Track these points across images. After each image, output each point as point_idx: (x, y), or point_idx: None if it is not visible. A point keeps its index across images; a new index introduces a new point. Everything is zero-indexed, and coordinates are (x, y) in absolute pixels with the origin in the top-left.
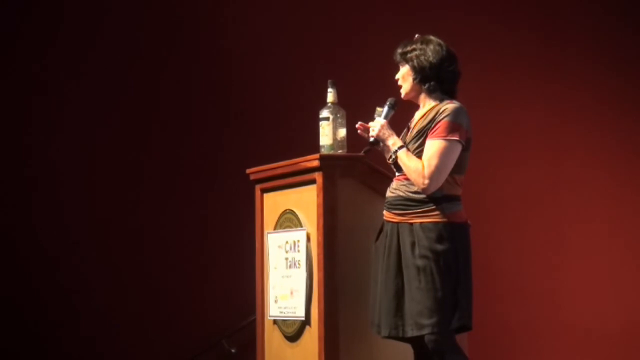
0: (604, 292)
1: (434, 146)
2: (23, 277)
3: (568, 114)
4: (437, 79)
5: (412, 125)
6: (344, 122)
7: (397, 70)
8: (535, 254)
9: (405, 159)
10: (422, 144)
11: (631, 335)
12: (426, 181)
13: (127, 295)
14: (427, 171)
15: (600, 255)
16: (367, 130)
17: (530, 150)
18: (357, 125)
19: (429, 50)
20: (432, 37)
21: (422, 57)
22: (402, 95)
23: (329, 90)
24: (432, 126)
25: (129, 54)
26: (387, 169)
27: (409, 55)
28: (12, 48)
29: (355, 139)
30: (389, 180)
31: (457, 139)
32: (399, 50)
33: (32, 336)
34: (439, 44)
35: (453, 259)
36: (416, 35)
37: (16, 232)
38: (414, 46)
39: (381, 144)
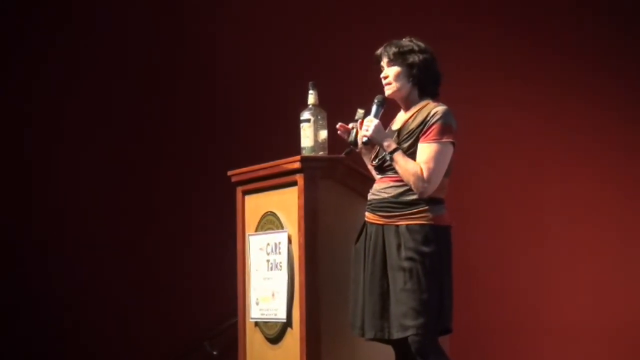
0: (587, 292)
1: (430, 149)
2: (16, 278)
3: (550, 113)
4: (429, 81)
5: (396, 126)
6: (325, 123)
7: (378, 71)
8: (517, 255)
9: (403, 161)
10: (412, 146)
11: (614, 335)
12: (426, 184)
13: (110, 296)
14: (427, 174)
15: (583, 255)
16: (347, 131)
17: (512, 150)
18: (337, 126)
19: (427, 54)
20: (420, 40)
21: (420, 60)
22: (389, 94)
23: (310, 92)
24: (425, 129)
25: (116, 57)
26: (368, 171)
27: (408, 56)
28: (13, 48)
29: (336, 141)
30: (370, 181)
31: (450, 140)
32: (394, 50)
33: (22, 335)
34: (429, 47)
35: (438, 261)
36: (405, 38)
37: (13, 231)
38: (412, 47)
39: (359, 147)
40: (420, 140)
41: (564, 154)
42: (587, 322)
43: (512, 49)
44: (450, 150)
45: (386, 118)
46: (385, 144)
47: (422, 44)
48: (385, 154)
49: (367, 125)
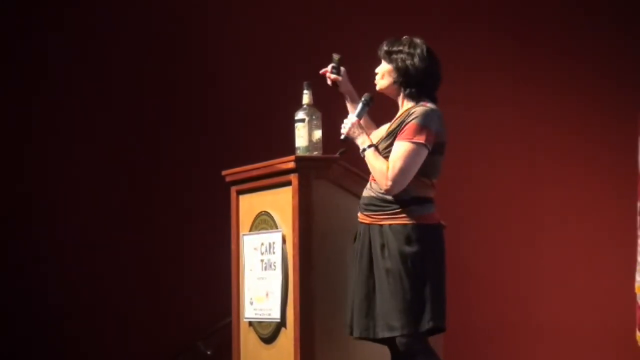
0: (581, 292)
1: (399, 148)
2: (12, 278)
3: (542, 113)
4: (418, 84)
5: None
6: (320, 123)
7: (374, 67)
8: (511, 255)
9: (372, 159)
10: (391, 145)
11: (608, 335)
12: (389, 182)
13: (104, 296)
14: (391, 173)
15: (578, 256)
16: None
17: (504, 150)
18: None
19: (417, 55)
20: (419, 41)
21: (407, 62)
22: (377, 89)
23: (305, 92)
24: (402, 127)
25: (111, 57)
26: (363, 170)
27: (394, 56)
28: (13, 48)
29: (330, 141)
30: (364, 181)
31: (422, 142)
32: (385, 48)
33: (16, 335)
34: (427, 50)
35: (422, 260)
36: (405, 37)
37: (11, 231)
38: (401, 48)
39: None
40: (396, 138)
41: (558, 154)
42: (582, 322)
43: (508, 50)
44: (422, 150)
45: (382, 117)
46: (359, 141)
47: (417, 46)
48: (360, 152)
49: (345, 123)
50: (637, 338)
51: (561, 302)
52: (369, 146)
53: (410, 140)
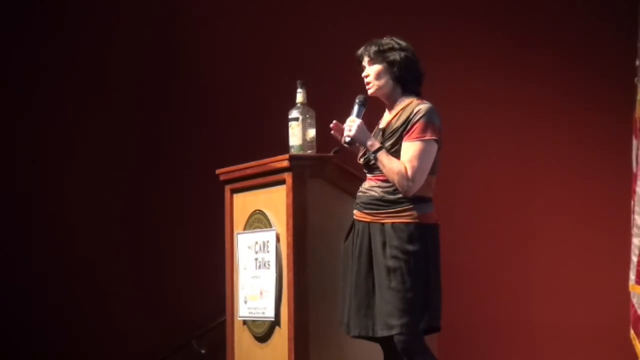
0: (574, 289)
1: (413, 147)
2: (8, 277)
3: (536, 112)
4: (415, 79)
5: (382, 125)
6: (314, 122)
7: (363, 69)
8: (504, 254)
9: (387, 160)
10: (396, 144)
11: (601, 333)
12: (410, 183)
13: (98, 294)
14: (411, 173)
15: (570, 253)
16: (340, 130)
17: (501, 149)
18: (331, 125)
19: (408, 51)
20: (400, 39)
21: (402, 58)
22: (371, 92)
23: (298, 90)
24: (408, 128)
25: (107, 55)
26: (357, 169)
27: (388, 54)
28: (8, 46)
29: (324, 139)
30: (358, 180)
31: (434, 138)
32: (374, 49)
33: (14, 334)
34: (410, 46)
35: (423, 259)
36: (387, 37)
37: (7, 231)
38: (392, 45)
39: (356, 144)
40: (404, 138)
41: (552, 153)
42: (575, 321)
43: (501, 49)
44: (433, 147)
45: (374, 117)
46: (369, 143)
47: (402, 42)
48: (369, 154)
49: (349, 126)
50: (631, 336)
51: (555, 300)
52: (380, 148)
53: (422, 138)
